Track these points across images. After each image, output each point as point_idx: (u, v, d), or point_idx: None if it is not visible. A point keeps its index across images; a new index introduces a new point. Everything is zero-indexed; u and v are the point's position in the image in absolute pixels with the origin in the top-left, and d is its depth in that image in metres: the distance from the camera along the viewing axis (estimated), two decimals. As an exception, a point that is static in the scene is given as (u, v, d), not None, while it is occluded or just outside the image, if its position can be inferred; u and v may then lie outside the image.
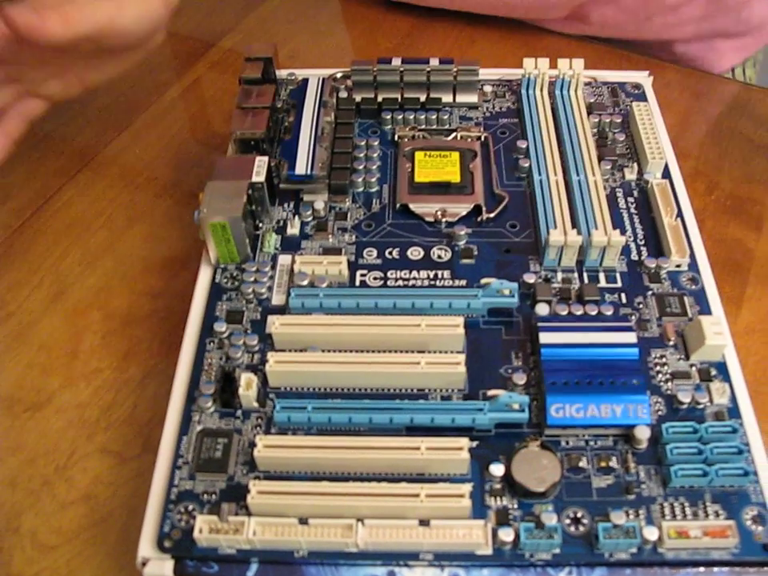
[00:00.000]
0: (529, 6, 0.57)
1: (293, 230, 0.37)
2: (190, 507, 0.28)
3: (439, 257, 0.36)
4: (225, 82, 0.57)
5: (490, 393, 0.30)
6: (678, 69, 0.58)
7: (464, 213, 0.38)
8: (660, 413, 0.30)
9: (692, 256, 0.35)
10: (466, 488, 0.27)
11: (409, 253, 0.36)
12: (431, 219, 0.38)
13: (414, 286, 0.35)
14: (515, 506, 0.28)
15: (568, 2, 0.56)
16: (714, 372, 0.31)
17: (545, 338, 0.31)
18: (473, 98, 0.43)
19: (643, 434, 0.29)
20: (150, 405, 0.39)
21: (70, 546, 0.35)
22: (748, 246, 0.46)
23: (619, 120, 0.42)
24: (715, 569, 0.27)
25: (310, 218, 0.38)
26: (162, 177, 0.50)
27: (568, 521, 0.27)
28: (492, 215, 0.38)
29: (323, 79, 0.43)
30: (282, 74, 0.45)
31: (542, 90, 0.43)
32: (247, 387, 0.30)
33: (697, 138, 0.53)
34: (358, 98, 0.43)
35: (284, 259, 0.36)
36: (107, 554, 0.34)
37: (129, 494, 0.36)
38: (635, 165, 0.40)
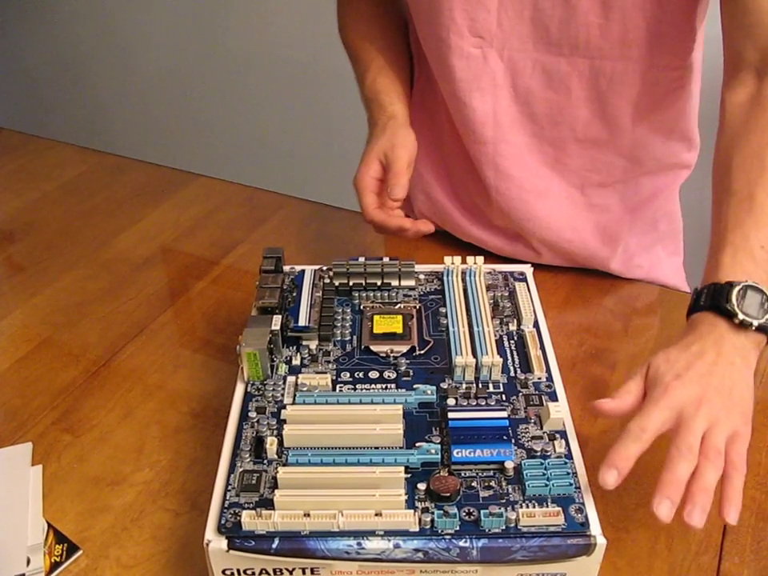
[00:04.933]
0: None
1: (296, 361, 0.58)
2: (237, 511, 0.46)
3: (388, 376, 0.57)
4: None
5: (417, 444, 0.50)
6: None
7: (404, 351, 0.59)
8: (522, 457, 0.50)
9: (548, 371, 0.56)
10: (402, 491, 0.46)
11: (369, 374, 0.57)
12: (384, 355, 0.58)
13: (371, 392, 0.55)
14: (432, 506, 0.46)
15: None
16: (557, 435, 0.51)
17: (451, 414, 0.51)
18: (411, 282, 0.66)
19: (509, 465, 0.48)
20: (194, 481, 0.57)
21: (142, 567, 0.52)
22: (604, 378, 0.68)
23: (507, 294, 0.65)
24: (552, 538, 0.45)
25: (306, 354, 0.59)
26: (200, 338, 0.72)
27: (464, 513, 0.46)
28: (422, 352, 0.59)
29: (314, 270, 0.66)
30: (286, 268, 0.67)
31: (456, 277, 0.66)
32: (271, 444, 0.49)
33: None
34: (336, 282, 0.66)
35: (290, 379, 0.56)
36: (167, 571, 0.51)
37: (181, 535, 0.53)
38: (515, 320, 0.62)
